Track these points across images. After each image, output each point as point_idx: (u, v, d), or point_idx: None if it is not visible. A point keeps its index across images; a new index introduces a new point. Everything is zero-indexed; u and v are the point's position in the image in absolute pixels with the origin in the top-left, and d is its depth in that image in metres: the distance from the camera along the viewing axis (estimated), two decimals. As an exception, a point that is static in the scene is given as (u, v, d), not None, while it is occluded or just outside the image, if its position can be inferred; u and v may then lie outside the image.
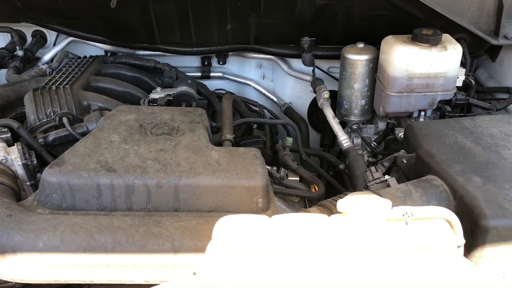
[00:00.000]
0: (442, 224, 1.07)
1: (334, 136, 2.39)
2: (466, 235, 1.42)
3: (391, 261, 0.97)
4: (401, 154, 1.63)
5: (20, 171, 1.59)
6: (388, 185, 1.57)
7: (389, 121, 2.13)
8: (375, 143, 2.15)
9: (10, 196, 1.45)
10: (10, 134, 1.66)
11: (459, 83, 2.05)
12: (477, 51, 2.25)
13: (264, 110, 2.52)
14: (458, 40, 2.14)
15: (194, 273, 1.12)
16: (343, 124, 2.23)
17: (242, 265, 0.97)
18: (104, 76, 2.22)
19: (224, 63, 2.69)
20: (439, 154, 1.57)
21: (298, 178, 1.87)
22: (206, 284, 0.93)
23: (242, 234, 1.04)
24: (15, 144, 1.62)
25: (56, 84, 1.91)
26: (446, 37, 1.95)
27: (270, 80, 2.74)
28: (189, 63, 2.69)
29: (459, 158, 1.55)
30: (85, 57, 2.33)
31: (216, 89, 2.56)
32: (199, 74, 2.68)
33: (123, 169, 1.44)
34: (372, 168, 1.68)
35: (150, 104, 2.07)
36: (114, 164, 1.46)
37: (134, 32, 2.13)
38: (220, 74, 2.72)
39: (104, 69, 2.28)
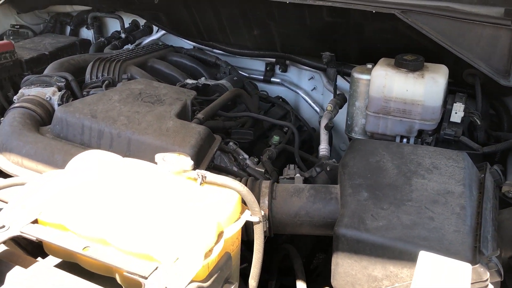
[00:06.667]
0: (230, 196, 1.24)
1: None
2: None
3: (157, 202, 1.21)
4: (327, 162, 1.72)
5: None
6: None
7: (381, 143, 2.14)
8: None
9: (35, 121, 2.05)
10: (64, 83, 2.28)
11: (457, 119, 1.95)
12: (501, 92, 2.07)
13: (295, 114, 2.71)
14: (472, 76, 2.04)
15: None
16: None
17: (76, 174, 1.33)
18: (166, 62, 2.75)
19: (284, 71, 2.97)
20: (352, 167, 1.62)
21: (263, 170, 2.08)
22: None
23: (94, 159, 1.40)
24: (61, 90, 2.24)
25: (113, 58, 2.51)
26: (435, 67, 1.90)
27: (321, 93, 2.91)
28: (256, 66, 3.05)
29: (367, 174, 1.58)
30: (161, 44, 2.91)
31: (261, 91, 2.86)
32: (262, 77, 3.02)
33: (101, 118, 1.91)
34: (291, 165, 1.80)
35: (184, 87, 2.51)
36: (99, 114, 1.94)
37: (186, 28, 2.59)
38: (279, 81, 3.01)
39: (170, 56, 2.82)
